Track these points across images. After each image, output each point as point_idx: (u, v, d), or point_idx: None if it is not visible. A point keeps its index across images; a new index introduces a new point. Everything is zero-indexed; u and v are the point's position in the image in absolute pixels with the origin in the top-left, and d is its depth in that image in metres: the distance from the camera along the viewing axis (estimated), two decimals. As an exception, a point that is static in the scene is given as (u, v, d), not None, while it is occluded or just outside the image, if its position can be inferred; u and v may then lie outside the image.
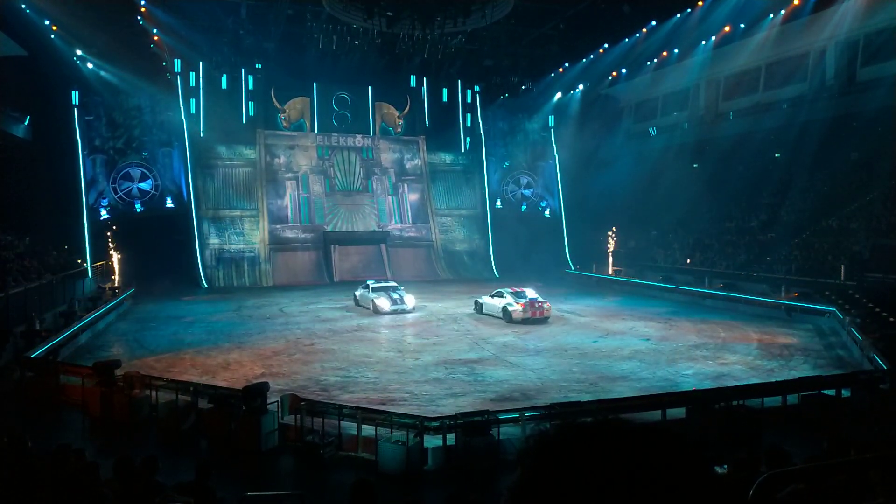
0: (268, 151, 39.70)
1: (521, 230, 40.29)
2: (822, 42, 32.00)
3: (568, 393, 14.37)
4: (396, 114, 42.61)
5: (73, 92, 33.56)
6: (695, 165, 38.07)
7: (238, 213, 38.21)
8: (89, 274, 30.09)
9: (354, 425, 11.50)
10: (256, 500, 7.99)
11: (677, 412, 12.13)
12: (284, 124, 40.43)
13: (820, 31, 30.99)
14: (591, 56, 38.35)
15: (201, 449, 11.93)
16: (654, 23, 33.48)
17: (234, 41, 34.11)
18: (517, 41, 36.91)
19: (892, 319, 20.61)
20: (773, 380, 14.17)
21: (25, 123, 32.39)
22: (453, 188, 43.62)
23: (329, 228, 39.36)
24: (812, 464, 3.68)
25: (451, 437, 11.01)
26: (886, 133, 28.09)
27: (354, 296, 27.57)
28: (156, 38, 33.13)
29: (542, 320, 23.50)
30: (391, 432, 10.98)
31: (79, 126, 33.97)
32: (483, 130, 43.59)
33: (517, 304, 23.44)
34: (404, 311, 25.37)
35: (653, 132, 43.33)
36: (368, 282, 27.64)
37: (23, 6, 27.75)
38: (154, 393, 13.47)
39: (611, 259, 37.86)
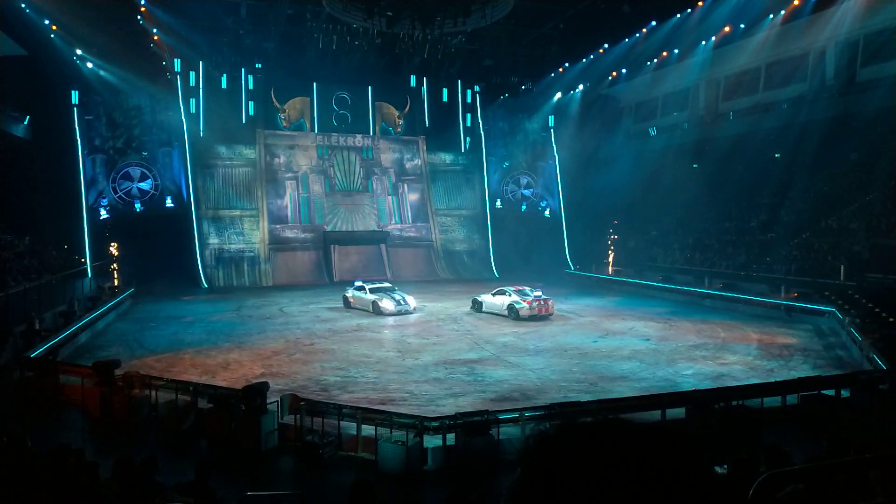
0: (268, 151, 39.69)
1: (521, 230, 40.28)
2: (821, 42, 32.01)
3: (568, 393, 14.37)
4: (396, 114, 42.61)
5: (72, 92, 33.52)
6: (694, 165, 38.06)
7: (238, 212, 38.20)
8: (89, 273, 30.06)
9: (354, 425, 11.50)
10: (256, 500, 7.99)
11: (677, 412, 12.15)
12: (284, 124, 40.41)
13: (820, 31, 31.00)
14: (591, 56, 38.36)
15: (201, 449, 11.93)
16: (654, 23, 33.50)
17: (234, 41, 34.10)
18: (517, 41, 36.91)
19: (891, 320, 20.61)
20: (773, 380, 14.19)
21: (25, 123, 32.42)
22: (453, 188, 43.62)
23: (329, 228, 39.35)
24: (812, 464, 3.69)
25: (450, 437, 11.01)
26: (886, 133, 28.10)
27: (345, 297, 27.17)
28: (156, 37, 33.13)
29: (546, 317, 24.20)
30: (391, 432, 10.98)
31: (79, 126, 33.94)
32: (483, 130, 43.59)
33: (524, 301, 24.09)
34: (407, 312, 25.39)
35: (653, 132, 43.35)
36: (362, 283, 27.43)
37: (23, 6, 27.75)
38: (154, 393, 13.47)
39: (611, 259, 37.87)
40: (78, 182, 33.59)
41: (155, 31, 32.62)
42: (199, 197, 37.07)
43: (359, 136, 41.58)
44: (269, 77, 37.93)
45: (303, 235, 39.07)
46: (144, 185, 35.99)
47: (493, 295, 25.60)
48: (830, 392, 13.22)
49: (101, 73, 33.85)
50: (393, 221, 41.29)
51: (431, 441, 11.10)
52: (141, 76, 34.45)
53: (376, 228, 40.46)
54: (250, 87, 38.38)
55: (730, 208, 35.39)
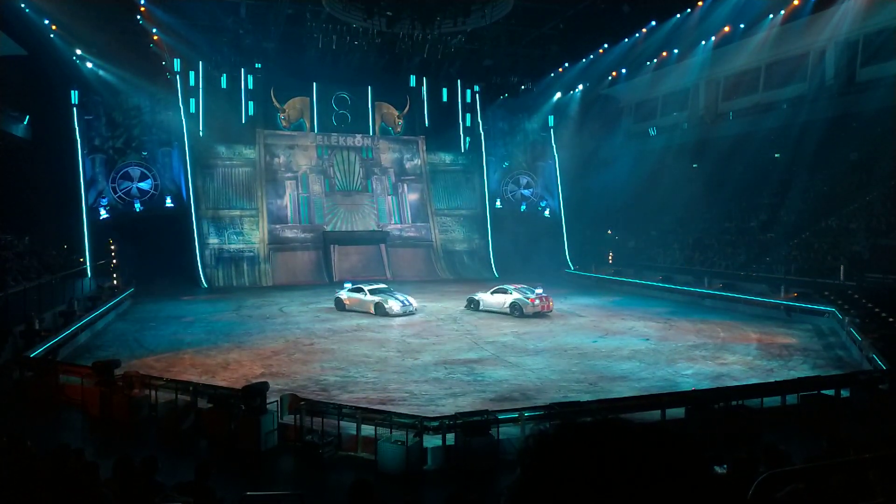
0: (267, 151, 39.68)
1: (521, 230, 40.29)
2: (821, 42, 32.01)
3: (567, 393, 14.38)
4: (396, 114, 42.59)
5: (72, 91, 33.49)
6: (694, 165, 38.07)
7: (238, 212, 38.19)
8: (89, 273, 30.07)
9: (354, 425, 11.51)
10: (256, 500, 7.99)
11: (677, 412, 12.15)
12: (284, 124, 40.40)
13: (819, 31, 31.00)
14: (591, 56, 38.33)
15: (201, 449, 11.93)
16: (653, 23, 33.47)
17: (234, 41, 34.10)
18: (517, 41, 36.88)
19: (891, 320, 20.62)
20: (773, 380, 14.19)
21: (25, 123, 32.38)
22: (453, 188, 43.61)
23: (329, 228, 39.34)
24: (811, 464, 3.69)
25: (450, 437, 11.02)
26: (886, 133, 28.11)
27: (338, 299, 26.60)
28: (155, 37, 33.11)
29: (547, 313, 24.93)
30: (391, 432, 10.99)
31: (78, 126, 33.92)
32: (483, 130, 43.58)
33: (528, 298, 24.79)
34: (412, 313, 25.39)
35: (652, 132, 43.33)
36: (359, 284, 27.30)
37: (22, 6, 27.73)
38: (153, 393, 13.47)
39: (610, 259, 37.84)
40: (78, 182, 33.57)
41: (154, 30, 32.60)
42: (199, 197, 37.06)
43: (358, 136, 41.57)
44: (268, 77, 37.92)
45: (302, 235, 39.07)
46: (144, 185, 35.98)
47: (493, 293, 25.70)
48: (830, 392, 13.23)
49: (101, 72, 33.84)
50: (392, 221, 41.28)
51: (431, 441, 11.11)
52: (141, 76, 34.43)
53: (376, 228, 40.46)
54: (250, 86, 38.36)
55: (729, 208, 35.40)
